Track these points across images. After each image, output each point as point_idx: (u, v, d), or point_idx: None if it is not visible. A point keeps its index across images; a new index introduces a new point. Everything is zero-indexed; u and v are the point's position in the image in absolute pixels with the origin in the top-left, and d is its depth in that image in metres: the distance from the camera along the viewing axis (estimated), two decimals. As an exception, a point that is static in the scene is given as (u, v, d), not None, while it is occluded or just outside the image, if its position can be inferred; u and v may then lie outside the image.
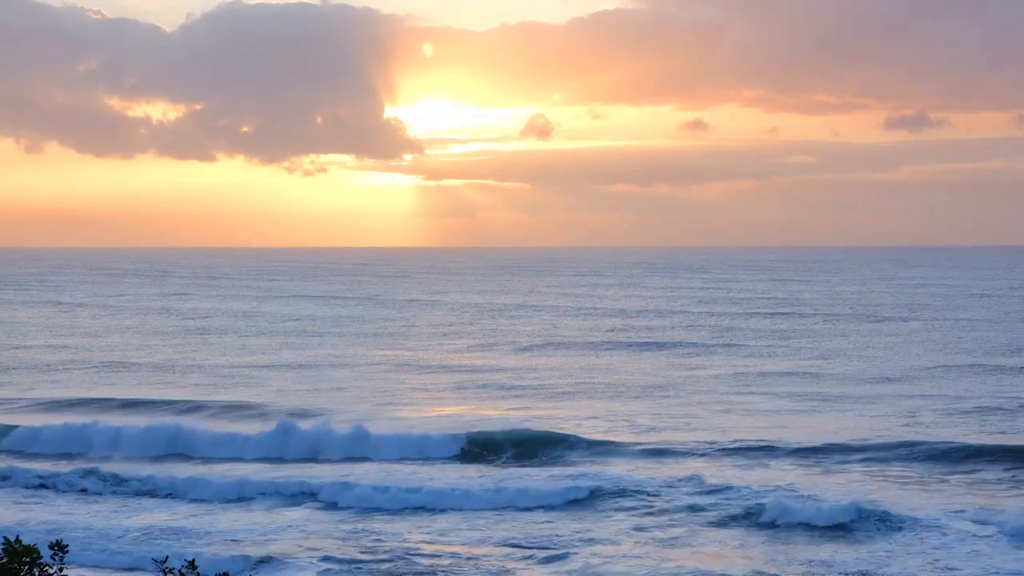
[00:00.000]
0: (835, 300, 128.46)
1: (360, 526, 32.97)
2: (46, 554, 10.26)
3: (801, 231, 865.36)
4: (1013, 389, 56.60)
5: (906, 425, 46.49)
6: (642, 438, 44.48)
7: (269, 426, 44.83)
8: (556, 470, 39.17)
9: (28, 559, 10.14)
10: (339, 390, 59.31)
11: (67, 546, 10.24)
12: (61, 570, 10.19)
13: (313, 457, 41.88)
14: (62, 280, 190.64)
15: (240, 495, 36.32)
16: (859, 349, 76.20)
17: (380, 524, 33.28)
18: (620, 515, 33.64)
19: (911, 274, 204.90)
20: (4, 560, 10.30)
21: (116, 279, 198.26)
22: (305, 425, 44.63)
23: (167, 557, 10.77)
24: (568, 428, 45.73)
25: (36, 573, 10.20)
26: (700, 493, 35.17)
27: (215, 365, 69.89)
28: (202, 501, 36.07)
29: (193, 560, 10.58)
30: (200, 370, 67.46)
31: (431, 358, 73.18)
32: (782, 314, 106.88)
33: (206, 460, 41.40)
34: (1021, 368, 64.08)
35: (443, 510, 34.47)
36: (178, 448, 42.93)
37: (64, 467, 39.65)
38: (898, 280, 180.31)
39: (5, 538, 10.24)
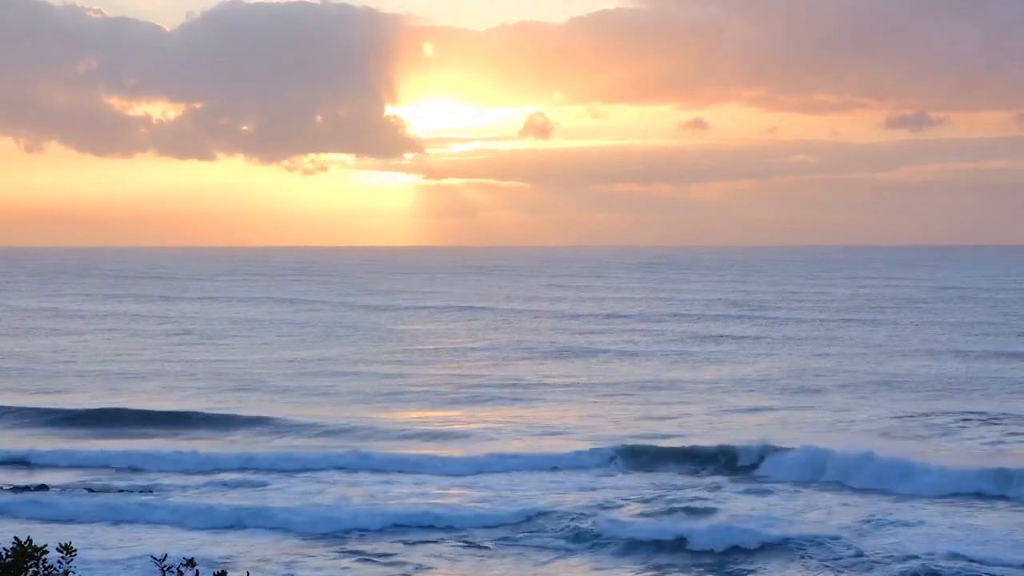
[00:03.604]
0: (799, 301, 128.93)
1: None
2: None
3: (801, 231, 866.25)
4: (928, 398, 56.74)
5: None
6: (566, 445, 44.97)
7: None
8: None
9: (33, 560, 10.30)
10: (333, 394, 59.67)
11: (75, 550, 10.42)
12: (67, 573, 10.36)
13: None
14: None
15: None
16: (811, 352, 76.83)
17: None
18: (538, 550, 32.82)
19: (900, 274, 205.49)
20: (10, 560, 10.45)
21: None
22: None
23: (166, 555, 10.95)
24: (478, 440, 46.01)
25: (42, 574, 10.35)
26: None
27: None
28: None
29: (192, 559, 10.74)
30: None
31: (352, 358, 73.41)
32: (748, 317, 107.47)
33: None
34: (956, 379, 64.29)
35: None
36: None
37: None
38: (883, 280, 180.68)
39: (16, 537, 10.46)
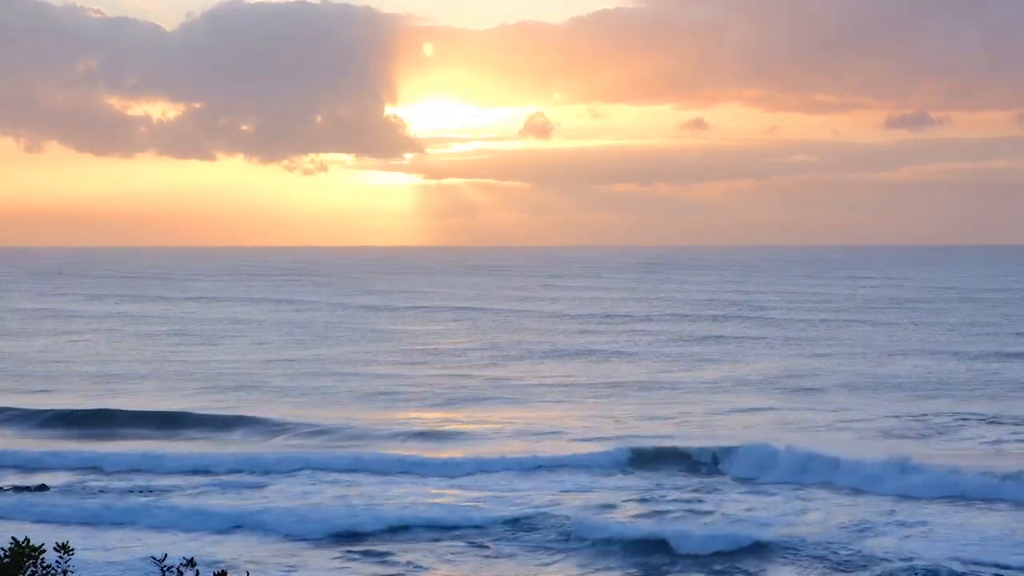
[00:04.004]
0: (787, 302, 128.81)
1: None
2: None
3: (801, 231, 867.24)
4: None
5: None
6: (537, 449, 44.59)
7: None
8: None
9: (31, 559, 10.33)
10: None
11: (73, 549, 10.47)
12: (65, 573, 10.41)
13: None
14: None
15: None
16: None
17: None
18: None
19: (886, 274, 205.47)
20: (7, 560, 10.48)
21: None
22: None
23: (166, 555, 10.99)
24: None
25: (40, 573, 10.38)
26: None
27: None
28: None
29: (192, 559, 10.78)
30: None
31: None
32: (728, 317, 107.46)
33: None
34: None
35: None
36: None
37: None
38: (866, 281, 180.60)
39: (13, 538, 10.51)
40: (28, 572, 10.49)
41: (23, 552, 10.45)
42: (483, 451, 44.16)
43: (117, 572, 29.94)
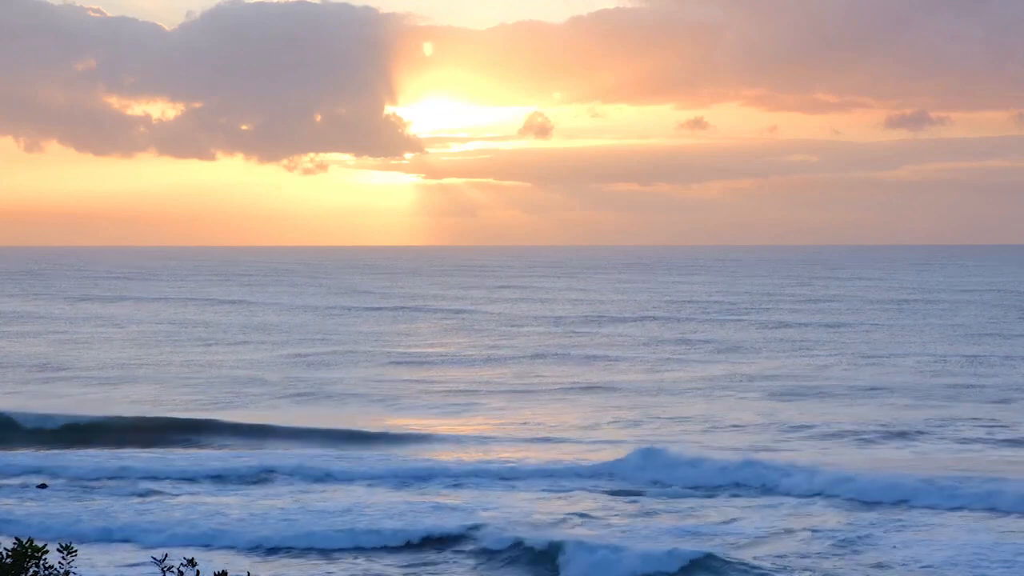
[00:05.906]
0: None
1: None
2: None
3: (801, 230, 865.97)
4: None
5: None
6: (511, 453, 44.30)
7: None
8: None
9: (33, 560, 10.38)
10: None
11: (76, 550, 10.54)
12: (67, 573, 10.47)
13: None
14: None
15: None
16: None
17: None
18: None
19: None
20: (9, 560, 10.53)
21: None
22: None
23: (166, 555, 11.06)
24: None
25: (41, 573, 10.43)
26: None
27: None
28: None
29: (193, 559, 10.83)
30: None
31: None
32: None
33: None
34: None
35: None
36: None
37: None
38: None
39: (17, 538, 10.57)
40: (31, 573, 10.56)
41: (25, 553, 10.52)
42: (474, 455, 43.85)
43: (119, 572, 29.91)
